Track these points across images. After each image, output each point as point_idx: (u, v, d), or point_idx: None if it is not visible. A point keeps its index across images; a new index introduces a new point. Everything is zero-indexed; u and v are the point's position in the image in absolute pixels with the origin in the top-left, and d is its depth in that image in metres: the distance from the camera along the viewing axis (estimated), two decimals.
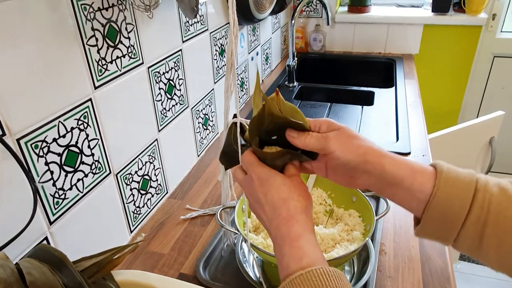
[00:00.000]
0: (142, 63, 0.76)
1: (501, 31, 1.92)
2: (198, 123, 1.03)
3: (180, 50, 0.89)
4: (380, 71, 1.89)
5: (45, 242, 0.57)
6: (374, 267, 0.68)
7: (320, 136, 0.45)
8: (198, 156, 1.07)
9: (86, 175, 0.64)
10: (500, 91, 2.02)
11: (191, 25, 0.93)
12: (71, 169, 0.60)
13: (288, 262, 0.40)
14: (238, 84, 1.32)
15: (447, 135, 1.40)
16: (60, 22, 0.55)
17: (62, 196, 0.59)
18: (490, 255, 0.39)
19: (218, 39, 1.09)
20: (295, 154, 0.47)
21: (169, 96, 0.87)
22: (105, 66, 0.65)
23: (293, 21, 1.53)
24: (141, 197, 0.81)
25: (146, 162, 0.81)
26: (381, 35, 1.94)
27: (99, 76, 0.64)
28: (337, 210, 0.73)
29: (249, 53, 1.39)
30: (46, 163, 0.55)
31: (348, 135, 0.45)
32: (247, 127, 0.48)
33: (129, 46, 0.71)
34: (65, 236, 0.61)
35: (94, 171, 0.66)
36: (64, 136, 0.58)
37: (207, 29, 1.01)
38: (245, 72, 1.37)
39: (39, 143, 0.54)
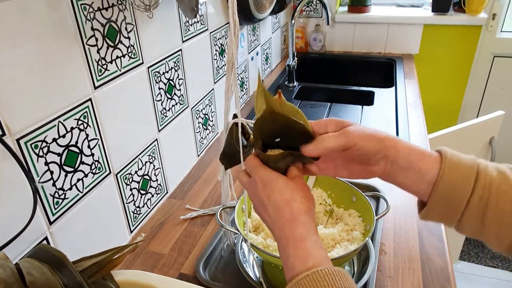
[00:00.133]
0: (142, 63, 0.76)
1: (501, 31, 1.92)
2: (198, 123, 1.03)
3: (180, 50, 0.89)
4: (380, 71, 1.89)
5: (45, 242, 0.57)
6: (374, 267, 0.68)
7: (338, 134, 0.45)
8: (198, 156, 1.07)
9: (86, 175, 0.64)
10: (500, 91, 2.02)
11: (191, 25, 0.93)
12: (71, 169, 0.60)
13: (293, 264, 0.40)
14: (238, 84, 1.32)
15: (447, 135, 1.39)
16: (60, 22, 0.55)
17: (62, 196, 0.59)
18: (491, 235, 0.41)
19: (218, 39, 1.09)
20: (297, 156, 0.47)
21: (169, 96, 0.87)
22: (105, 66, 0.65)
23: (293, 21, 1.53)
24: (141, 197, 0.81)
25: (146, 162, 0.81)
26: (381, 35, 1.94)
27: (99, 76, 0.64)
28: (337, 210, 0.73)
29: (249, 53, 1.39)
30: (46, 163, 0.55)
31: (362, 126, 0.46)
32: (248, 127, 0.49)
33: (129, 46, 0.71)
34: (65, 236, 0.61)
35: (94, 171, 0.66)
36: (64, 136, 0.58)
37: (207, 29, 1.01)
38: (245, 72, 1.37)
39: (39, 143, 0.54)
